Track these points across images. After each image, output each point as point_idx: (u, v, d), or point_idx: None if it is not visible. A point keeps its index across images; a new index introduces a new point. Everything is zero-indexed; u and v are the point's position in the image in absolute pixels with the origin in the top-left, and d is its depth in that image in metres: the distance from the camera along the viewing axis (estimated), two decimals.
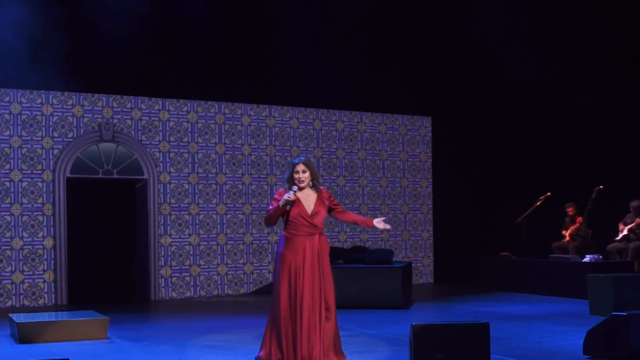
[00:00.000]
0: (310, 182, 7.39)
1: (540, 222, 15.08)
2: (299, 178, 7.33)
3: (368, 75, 15.67)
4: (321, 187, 7.52)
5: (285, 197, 7.22)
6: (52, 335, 9.20)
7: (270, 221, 7.46)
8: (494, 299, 13.31)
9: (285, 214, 7.38)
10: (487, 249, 15.78)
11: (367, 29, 15.68)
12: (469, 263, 15.75)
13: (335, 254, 13.48)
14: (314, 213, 7.34)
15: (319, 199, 7.40)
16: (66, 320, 9.51)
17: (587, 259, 13.34)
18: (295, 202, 7.32)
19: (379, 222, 7.46)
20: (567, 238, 15.09)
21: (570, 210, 15.15)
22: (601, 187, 14.08)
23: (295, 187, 7.32)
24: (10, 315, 9.89)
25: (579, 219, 14.93)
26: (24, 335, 9.13)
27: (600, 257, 13.45)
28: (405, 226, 16.64)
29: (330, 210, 7.57)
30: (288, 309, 7.26)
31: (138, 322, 11.02)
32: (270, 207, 7.38)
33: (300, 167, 7.36)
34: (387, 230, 8.86)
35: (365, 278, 12.35)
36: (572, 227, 15.07)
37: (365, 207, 16.11)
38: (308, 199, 7.37)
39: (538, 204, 15.08)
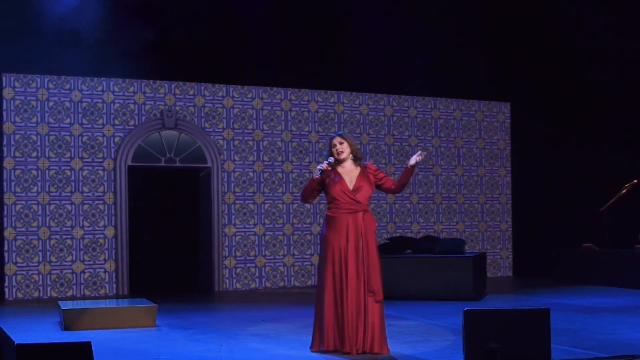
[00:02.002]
0: (351, 156, 7.12)
1: (626, 211, 14.16)
2: (337, 150, 7.09)
3: (442, 59, 14.96)
4: (367, 162, 7.19)
5: (319, 166, 7.03)
6: (98, 323, 8.92)
7: (305, 195, 7.22)
8: (574, 292, 12.51)
9: (326, 192, 7.03)
10: (570, 240, 14.89)
11: (441, 9, 14.97)
12: (550, 255, 14.91)
13: (405, 243, 12.90)
14: (356, 188, 7.00)
15: (362, 174, 7.07)
16: (112, 307, 9.23)
17: None
18: (337, 179, 7.02)
19: (413, 159, 7.05)
20: None
21: None
22: None
23: (331, 158, 7.10)
24: (59, 302, 9.66)
25: None
26: (69, 322, 8.87)
27: None
28: (483, 217, 15.89)
29: (378, 186, 7.13)
30: (333, 295, 6.93)
31: (193, 311, 10.65)
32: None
33: (337, 140, 7.15)
34: (426, 159, 8.55)
35: (434, 268, 11.83)
36: None
37: (439, 196, 15.43)
38: (350, 174, 7.12)
39: (624, 192, 14.16)
